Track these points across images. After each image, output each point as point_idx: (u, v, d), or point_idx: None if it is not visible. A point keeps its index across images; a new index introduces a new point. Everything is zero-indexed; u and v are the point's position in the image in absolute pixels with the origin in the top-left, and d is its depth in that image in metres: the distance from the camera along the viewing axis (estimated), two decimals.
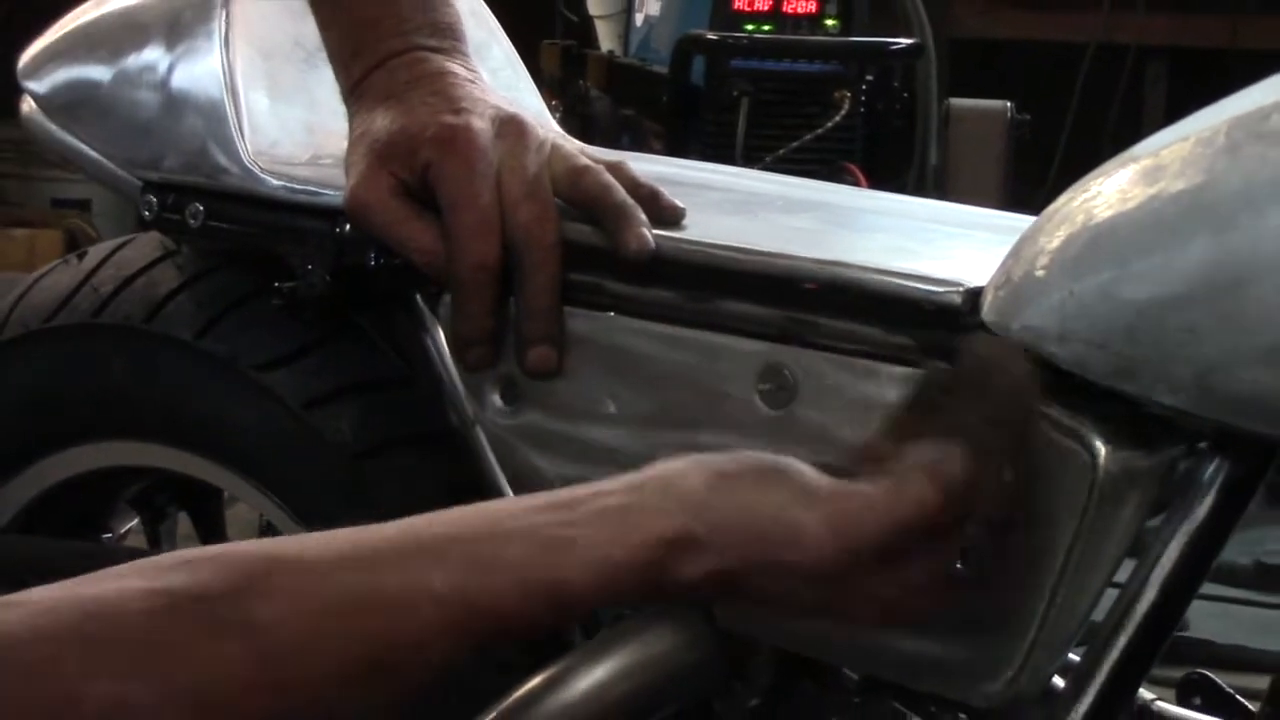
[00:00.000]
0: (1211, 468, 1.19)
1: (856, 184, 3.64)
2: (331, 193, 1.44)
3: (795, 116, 3.72)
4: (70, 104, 1.62)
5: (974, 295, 1.23)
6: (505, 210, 1.35)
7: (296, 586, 0.99)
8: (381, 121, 1.39)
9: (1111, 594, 1.23)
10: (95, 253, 1.69)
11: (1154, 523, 1.22)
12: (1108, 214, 1.17)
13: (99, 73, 1.62)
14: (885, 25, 4.25)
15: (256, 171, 1.53)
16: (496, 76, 1.65)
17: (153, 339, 1.60)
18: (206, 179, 1.55)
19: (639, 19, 4.14)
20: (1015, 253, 1.22)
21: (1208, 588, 3.65)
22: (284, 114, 1.58)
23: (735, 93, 3.72)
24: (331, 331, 1.55)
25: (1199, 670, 1.42)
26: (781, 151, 3.66)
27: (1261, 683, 1.38)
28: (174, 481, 1.71)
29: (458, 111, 1.38)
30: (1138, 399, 1.16)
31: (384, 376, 1.54)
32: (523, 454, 1.40)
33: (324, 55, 1.48)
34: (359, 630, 1.00)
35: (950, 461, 1.13)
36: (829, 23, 3.91)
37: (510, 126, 1.38)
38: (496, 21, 1.72)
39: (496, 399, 1.40)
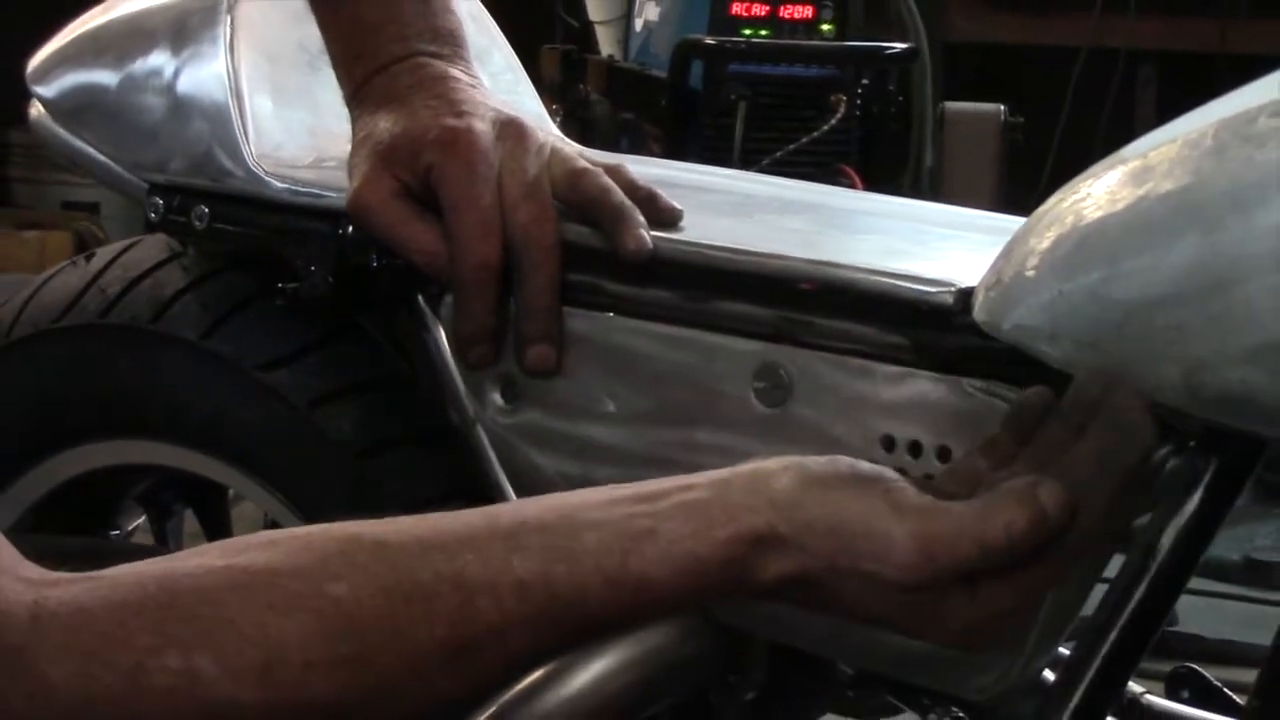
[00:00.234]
0: (1200, 465, 1.19)
1: (852, 186, 3.65)
2: (334, 195, 1.44)
3: (792, 120, 3.72)
4: (78, 108, 1.62)
5: (965, 295, 1.23)
6: (505, 212, 1.35)
7: (375, 568, 0.97)
8: (384, 125, 1.39)
9: (1101, 589, 1.23)
10: (103, 254, 1.68)
11: (1142, 521, 1.22)
12: (1097, 215, 1.16)
13: (106, 77, 1.62)
14: (880, 30, 4.25)
15: (260, 174, 1.52)
16: (497, 81, 1.65)
17: (159, 339, 1.60)
18: (211, 181, 1.55)
19: (638, 24, 4.15)
20: (1006, 253, 1.22)
21: (1198, 583, 3.65)
22: (288, 117, 1.58)
23: (733, 96, 3.71)
24: (335, 331, 1.55)
25: (1187, 664, 1.42)
26: (778, 154, 3.66)
27: (1250, 676, 1.38)
28: (180, 479, 1.70)
29: (459, 115, 1.38)
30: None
31: (386, 376, 1.54)
32: (523, 452, 1.40)
33: (327, 60, 1.48)
34: (437, 614, 0.98)
35: (1046, 493, 1.08)
36: (825, 27, 3.91)
37: (511, 129, 1.38)
38: (497, 27, 1.72)
39: (497, 397, 1.40)
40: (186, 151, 1.57)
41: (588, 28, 4.38)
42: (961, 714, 1.34)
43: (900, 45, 3.89)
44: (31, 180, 5.92)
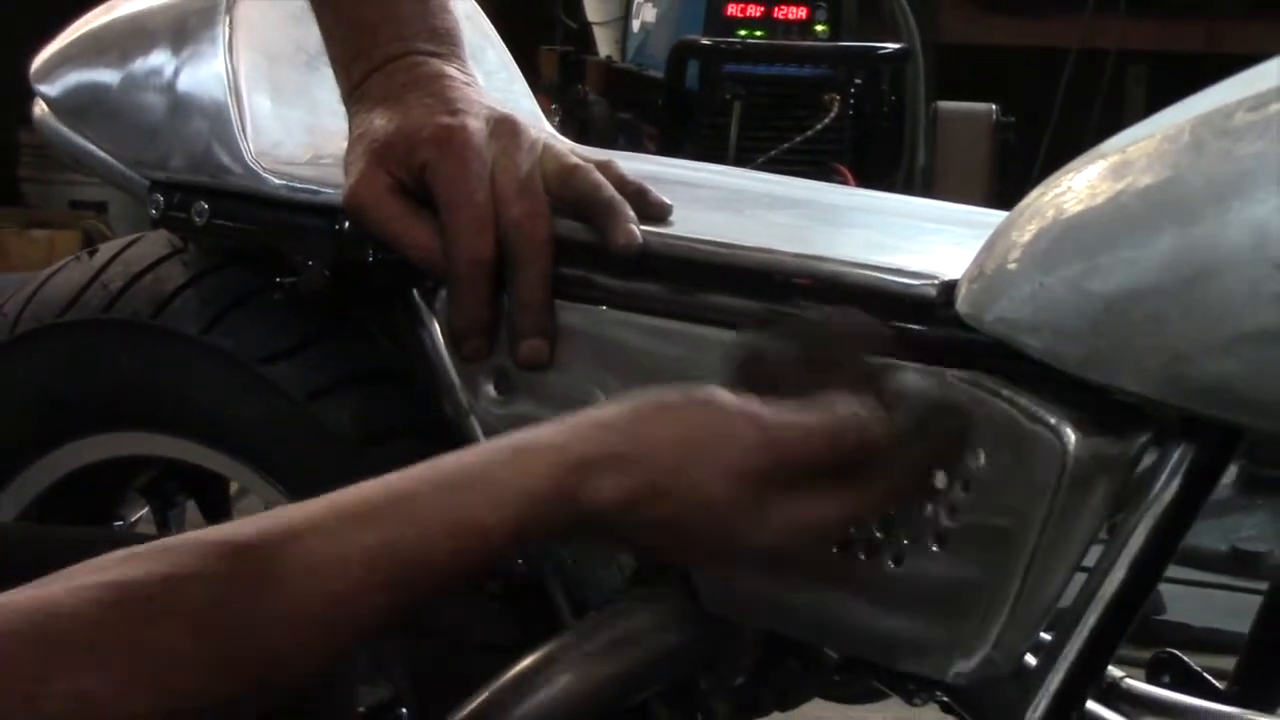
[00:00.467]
0: (1178, 454, 1.19)
1: (845, 184, 3.65)
2: (331, 191, 1.44)
3: (786, 119, 3.73)
4: (80, 106, 1.62)
5: (948, 288, 1.23)
6: (499, 207, 1.35)
7: (229, 566, 1.00)
8: (379, 122, 1.39)
9: (1081, 577, 1.23)
10: (105, 250, 1.69)
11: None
12: (1077, 209, 1.17)
13: (108, 76, 1.62)
14: (874, 30, 4.26)
15: (259, 171, 1.53)
16: (492, 79, 1.65)
17: (160, 333, 1.60)
18: (211, 178, 1.55)
19: (635, 25, 4.15)
20: (988, 246, 1.22)
21: (1184, 572, 3.65)
22: (286, 115, 1.58)
23: (728, 96, 3.72)
24: (332, 325, 1.55)
25: (1168, 649, 1.42)
26: (773, 153, 3.67)
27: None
28: (182, 470, 1.70)
29: (453, 113, 1.38)
30: (1106, 387, 1.16)
31: (382, 368, 1.54)
32: None
33: (325, 59, 1.48)
34: (290, 599, 1.00)
35: (883, 402, 1.14)
36: (819, 28, 3.91)
37: (504, 127, 1.38)
38: (491, 26, 1.72)
39: (490, 389, 1.41)
40: (186, 149, 1.57)
41: (586, 29, 4.39)
42: (945, 698, 1.34)
43: (893, 46, 3.90)
44: (40, 180, 5.92)
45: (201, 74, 1.57)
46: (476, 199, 1.34)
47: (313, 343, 1.55)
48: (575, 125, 4.01)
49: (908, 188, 4.21)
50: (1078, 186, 1.18)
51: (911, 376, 1.21)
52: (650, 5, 4.10)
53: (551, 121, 3.91)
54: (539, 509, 1.07)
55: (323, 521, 1.03)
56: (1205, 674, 1.41)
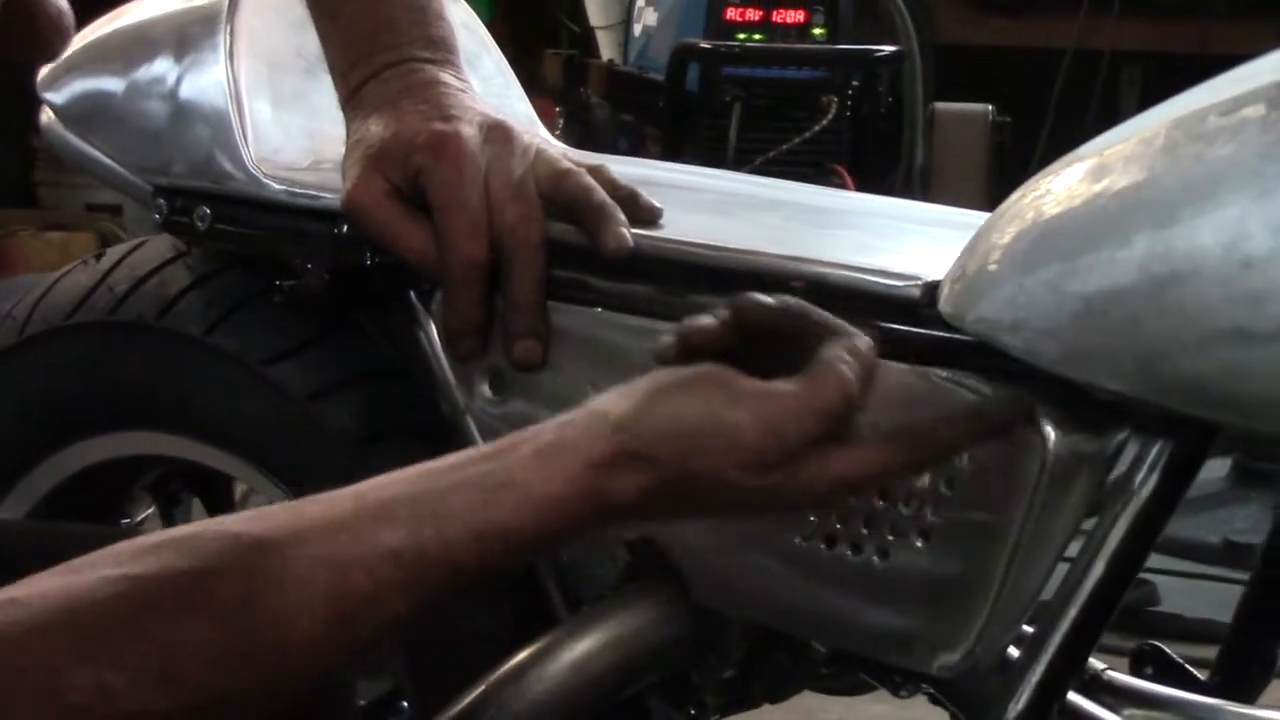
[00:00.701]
0: (1155, 450, 1.20)
1: (844, 184, 3.65)
2: (330, 196, 1.44)
3: (785, 120, 3.74)
4: (86, 114, 1.63)
5: (931, 288, 1.24)
6: (492, 211, 1.36)
7: (255, 561, 0.99)
8: (376, 129, 1.39)
9: (1062, 570, 1.24)
10: (111, 254, 1.69)
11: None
12: (1055, 210, 1.17)
13: (112, 84, 1.63)
14: (872, 33, 4.26)
15: (260, 176, 1.53)
16: (488, 84, 1.65)
17: (165, 335, 1.61)
18: (213, 184, 1.56)
19: (637, 29, 4.15)
20: (970, 248, 1.22)
21: (1178, 564, 3.67)
22: (286, 121, 1.58)
23: (728, 98, 3.73)
24: (332, 327, 1.56)
25: (1151, 641, 1.42)
26: (772, 154, 3.67)
27: None
28: (187, 469, 1.71)
29: (447, 119, 1.38)
30: (1085, 385, 1.17)
31: (381, 369, 1.55)
32: None
33: (323, 66, 1.48)
34: (315, 596, 1.00)
35: (856, 349, 1.13)
36: (816, 31, 3.91)
37: (497, 133, 1.39)
38: (488, 33, 1.72)
39: (485, 389, 1.41)
40: (189, 155, 1.57)
41: (589, 33, 4.39)
42: (931, 690, 1.34)
43: (888, 48, 3.90)
44: (56, 183, 5.93)
45: (203, 81, 1.58)
46: (470, 204, 1.35)
47: (313, 344, 1.56)
48: (578, 127, 4.02)
49: (906, 187, 4.21)
50: (1056, 189, 1.19)
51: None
52: (651, 9, 4.11)
53: (556, 123, 3.90)
54: (562, 511, 1.07)
55: (348, 519, 1.03)
56: (1187, 665, 1.41)
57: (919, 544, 1.24)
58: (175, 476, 1.76)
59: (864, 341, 1.15)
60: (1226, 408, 1.12)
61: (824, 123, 3.70)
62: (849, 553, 1.27)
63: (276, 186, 1.52)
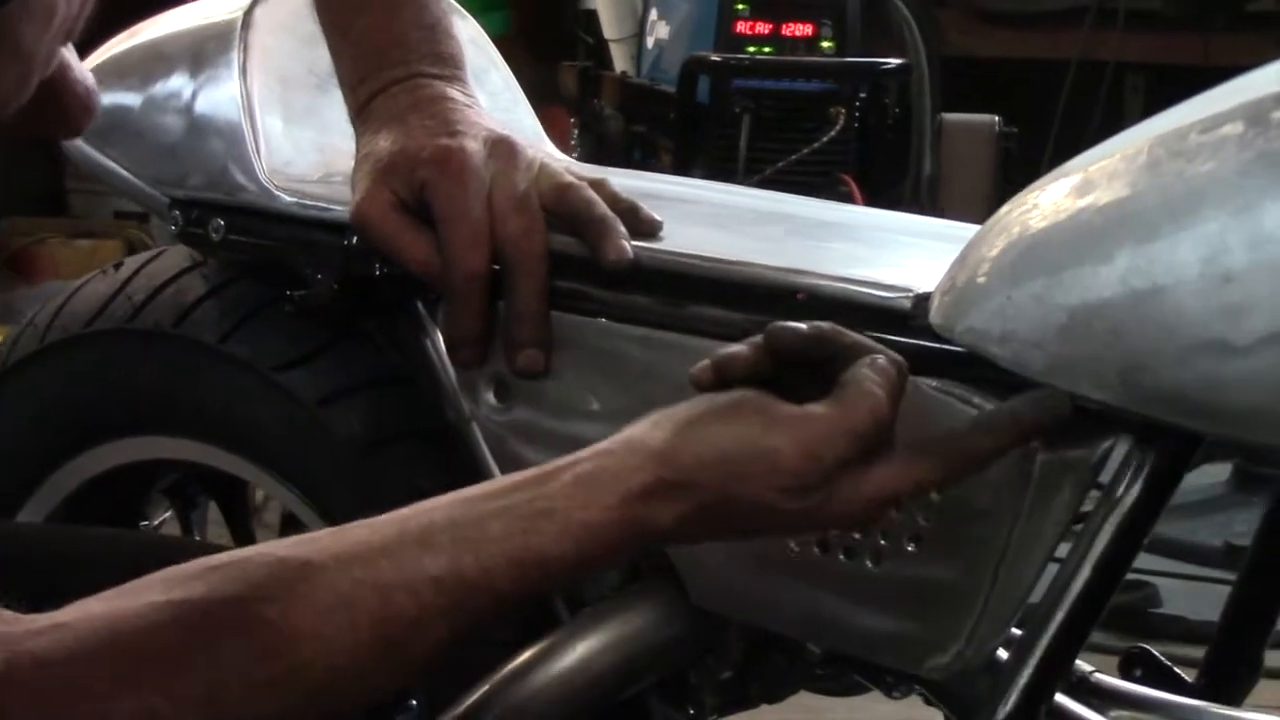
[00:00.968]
0: (1139, 458, 1.20)
1: (851, 194, 3.65)
2: (340, 208, 1.45)
3: (794, 131, 3.73)
4: (104, 128, 1.63)
5: (922, 300, 1.25)
6: (496, 224, 1.36)
7: (302, 588, 1.00)
8: (384, 143, 1.40)
9: (1050, 574, 1.24)
10: (130, 264, 1.70)
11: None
12: (1042, 225, 1.18)
13: (130, 99, 1.63)
14: (881, 46, 4.26)
15: (271, 189, 1.54)
16: (496, 99, 1.66)
17: (181, 343, 1.62)
18: (226, 196, 1.56)
19: (650, 42, 4.15)
20: (960, 260, 1.23)
21: (1180, 567, 3.66)
22: (297, 135, 1.59)
23: (738, 110, 3.73)
24: (341, 335, 1.56)
25: (1140, 644, 1.43)
26: (780, 164, 3.67)
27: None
28: (203, 473, 1.71)
29: (453, 134, 1.39)
30: (1070, 395, 1.17)
31: (389, 376, 1.55)
32: (514, 447, 1.41)
33: (335, 81, 1.49)
34: (360, 619, 1.00)
35: (884, 368, 1.14)
36: (825, 44, 3.91)
37: (501, 147, 1.40)
38: (495, 49, 1.73)
39: (490, 396, 1.42)
40: (203, 168, 1.58)
41: (603, 46, 4.39)
42: (923, 691, 1.35)
43: (895, 61, 3.90)
44: (86, 191, 5.93)
45: (217, 96, 1.58)
46: (472, 216, 1.36)
47: (324, 351, 1.57)
48: (592, 138, 4.02)
49: (914, 196, 4.21)
50: (1043, 204, 1.19)
51: None
52: (663, 23, 4.11)
53: (571, 134, 3.91)
54: (600, 539, 1.08)
55: (391, 545, 1.03)
56: (1175, 668, 1.41)
57: (910, 549, 1.25)
58: (192, 480, 1.76)
59: (892, 360, 1.15)
60: (1206, 417, 1.12)
61: (832, 134, 3.70)
62: (842, 557, 1.27)
63: (288, 199, 1.53)
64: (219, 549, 1.22)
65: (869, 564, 1.27)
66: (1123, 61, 4.79)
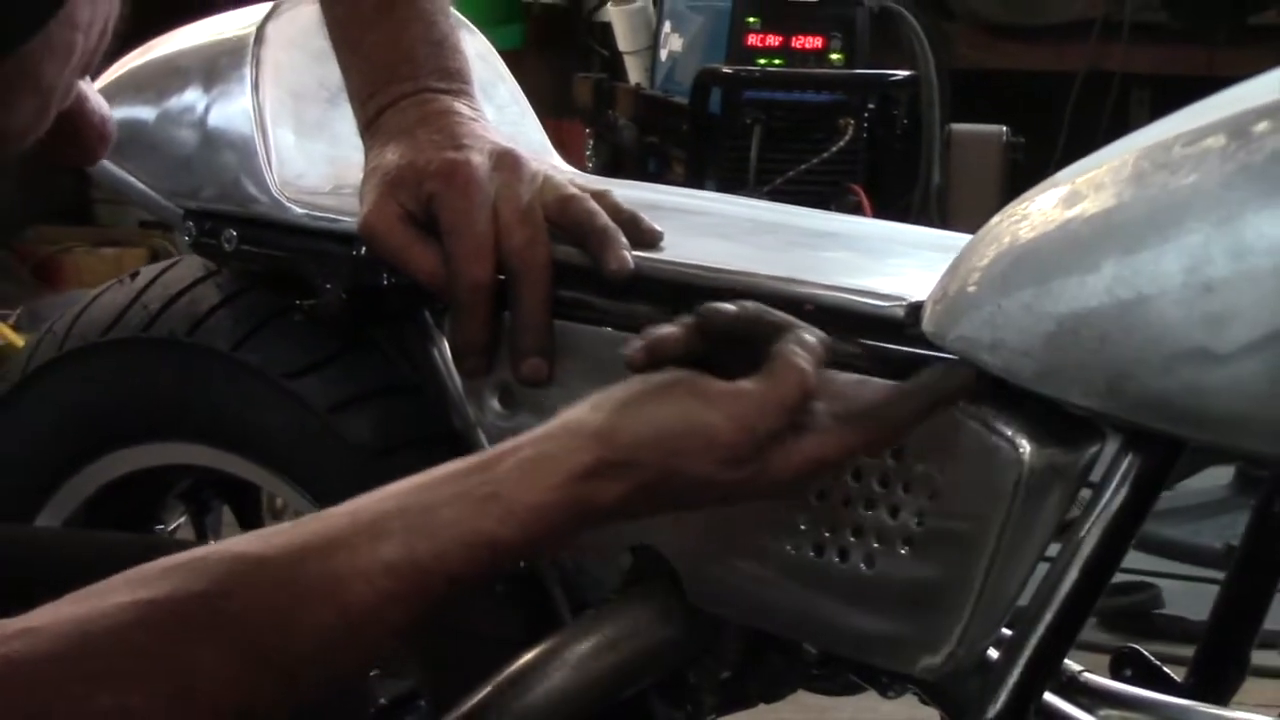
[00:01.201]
0: (1126, 463, 1.21)
1: (860, 203, 3.66)
2: (349, 219, 1.46)
3: (803, 142, 3.74)
4: (120, 141, 1.60)
5: (915, 309, 1.25)
6: (500, 235, 1.37)
7: (260, 581, 1.01)
8: (391, 156, 1.41)
9: (1039, 576, 1.25)
10: (146, 273, 1.71)
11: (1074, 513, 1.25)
12: (1031, 235, 1.19)
13: (145, 113, 1.64)
14: (891, 58, 4.26)
15: (283, 200, 1.55)
16: (503, 113, 1.67)
17: (195, 350, 1.62)
18: (239, 207, 1.57)
19: (663, 54, 4.16)
20: (952, 270, 1.24)
21: (1181, 569, 3.66)
22: (308, 148, 1.60)
23: (749, 121, 3.74)
24: (352, 343, 1.57)
25: (1130, 645, 1.43)
26: (790, 174, 3.68)
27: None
28: (216, 478, 1.72)
29: (459, 148, 1.40)
30: (1058, 401, 1.18)
31: (397, 384, 1.56)
32: None
33: (345, 96, 1.50)
34: (321, 608, 1.02)
35: (808, 342, 1.18)
36: (834, 57, 3.92)
37: (506, 160, 1.40)
38: (503, 63, 1.74)
39: (495, 404, 1.43)
40: (217, 180, 1.59)
41: (618, 58, 4.40)
42: (916, 691, 1.36)
43: (903, 73, 3.91)
44: (111, 201, 5.94)
45: (230, 110, 1.59)
46: (477, 228, 1.37)
47: (334, 359, 1.57)
48: (607, 148, 4.03)
49: (923, 205, 4.21)
50: (1032, 214, 1.20)
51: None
52: (677, 36, 4.11)
53: (587, 145, 3.90)
54: (546, 519, 1.10)
55: (345, 536, 1.05)
56: (1164, 668, 1.42)
57: (903, 552, 1.26)
58: (206, 485, 1.77)
59: (814, 334, 1.19)
60: (1190, 424, 1.13)
61: (841, 144, 3.71)
62: (837, 560, 1.28)
63: (298, 210, 1.54)
64: (181, 546, 1.23)
65: (862, 567, 1.27)
66: (1128, 73, 4.80)
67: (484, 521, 1.08)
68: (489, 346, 1.39)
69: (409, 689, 1.65)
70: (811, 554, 1.29)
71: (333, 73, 1.52)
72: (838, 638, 1.32)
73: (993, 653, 1.29)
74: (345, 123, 1.53)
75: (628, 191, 1.48)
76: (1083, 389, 1.15)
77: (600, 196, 1.41)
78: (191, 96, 1.62)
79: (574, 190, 1.40)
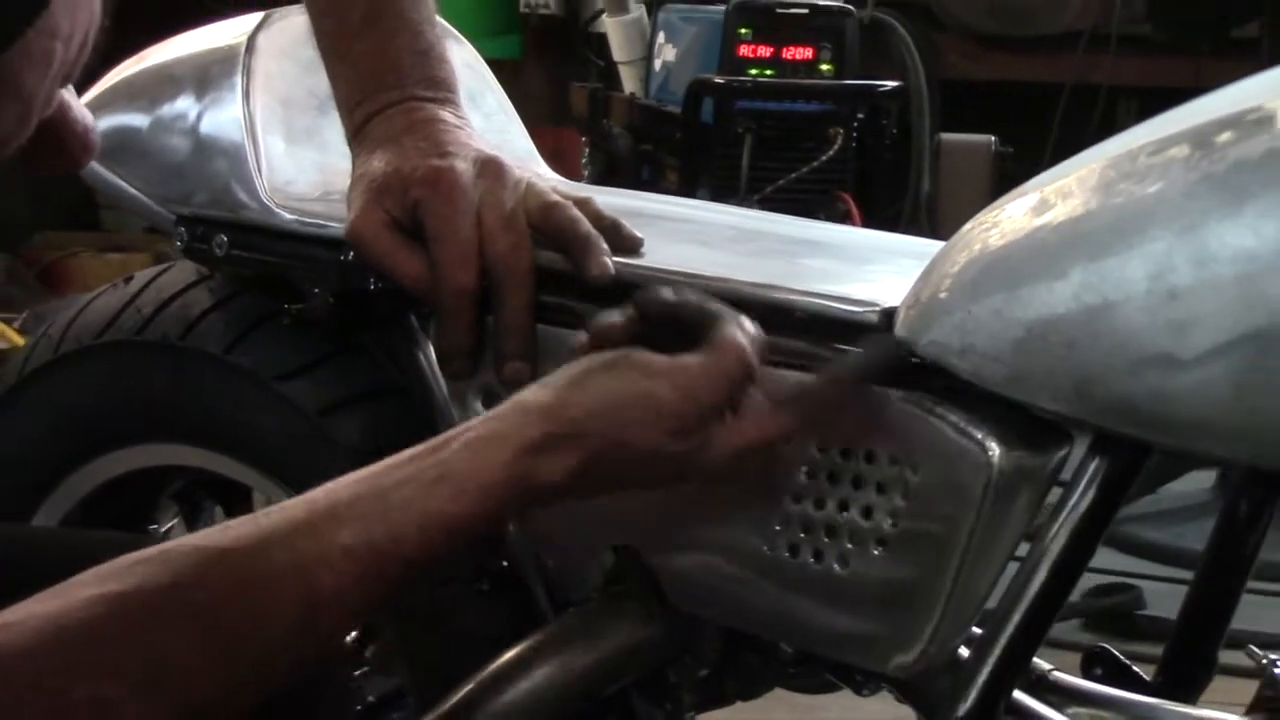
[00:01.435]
0: (1093, 466, 1.22)
1: (849, 212, 3.66)
2: (337, 225, 1.46)
3: (794, 151, 3.74)
4: (114, 148, 1.64)
5: (889, 314, 1.26)
6: (484, 241, 1.38)
7: (226, 571, 1.02)
8: (378, 163, 1.42)
9: (1008, 576, 1.26)
10: (139, 278, 1.71)
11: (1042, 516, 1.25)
12: (1000, 243, 1.19)
13: (138, 120, 1.65)
14: (881, 69, 4.27)
15: (272, 206, 1.55)
16: (490, 120, 1.68)
17: (187, 353, 1.63)
18: (229, 213, 1.58)
19: (657, 64, 4.16)
20: (924, 276, 1.24)
21: (1163, 570, 3.65)
22: (298, 156, 1.60)
23: (740, 130, 3.74)
24: (341, 347, 1.58)
25: (1101, 644, 1.44)
26: (781, 182, 3.68)
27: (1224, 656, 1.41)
28: (209, 479, 1.73)
29: (444, 155, 1.40)
30: (1027, 405, 1.19)
31: (384, 387, 1.56)
32: None
33: (333, 104, 1.51)
34: (284, 595, 1.03)
35: (746, 325, 1.20)
36: (824, 68, 3.92)
37: (490, 168, 1.41)
38: (491, 72, 1.74)
39: (479, 406, 1.43)
40: (208, 186, 1.59)
41: (613, 68, 4.40)
42: (889, 689, 1.36)
43: (891, 83, 3.91)
44: (116, 207, 5.92)
45: (222, 118, 1.60)
46: (462, 234, 1.37)
47: (324, 362, 1.58)
48: (602, 156, 4.03)
49: (913, 214, 4.22)
50: (1003, 222, 1.21)
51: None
52: (670, 46, 4.11)
53: (582, 153, 3.90)
54: (495, 496, 1.11)
55: (305, 523, 1.06)
56: (1134, 667, 1.42)
57: (876, 552, 1.26)
58: (199, 486, 1.77)
59: (752, 322, 1.22)
60: (1155, 428, 1.13)
61: (830, 153, 3.71)
62: (811, 560, 1.29)
63: (288, 216, 1.55)
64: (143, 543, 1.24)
65: (836, 567, 1.28)
66: (1115, 84, 4.80)
67: (435, 502, 1.09)
68: (473, 350, 1.40)
69: (395, 687, 1.65)
70: (787, 554, 1.30)
71: (321, 82, 1.52)
72: (813, 637, 1.32)
73: (964, 651, 1.29)
74: (334, 131, 1.53)
75: (610, 199, 1.48)
76: (1051, 393, 1.16)
77: (582, 204, 1.41)
78: (184, 104, 1.62)
79: (556, 197, 1.41)
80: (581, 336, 1.23)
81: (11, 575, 1.22)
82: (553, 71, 4.87)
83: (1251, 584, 1.39)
